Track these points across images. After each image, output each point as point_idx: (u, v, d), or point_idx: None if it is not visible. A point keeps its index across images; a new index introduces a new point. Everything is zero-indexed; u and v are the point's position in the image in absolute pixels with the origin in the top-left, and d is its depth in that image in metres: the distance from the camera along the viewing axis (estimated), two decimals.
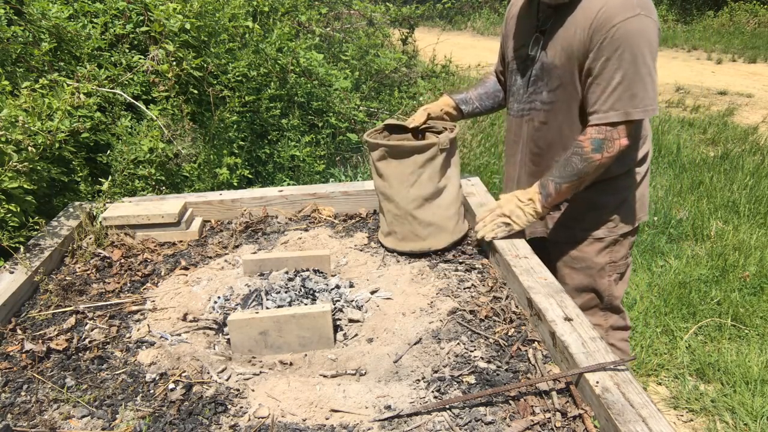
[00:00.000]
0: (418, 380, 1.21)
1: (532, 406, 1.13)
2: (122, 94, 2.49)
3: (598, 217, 1.83)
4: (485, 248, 1.77)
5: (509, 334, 1.36)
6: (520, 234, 1.71)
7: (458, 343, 1.32)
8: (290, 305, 1.43)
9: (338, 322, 1.42)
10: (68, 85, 2.07)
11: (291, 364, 1.29)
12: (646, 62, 1.54)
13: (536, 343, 1.33)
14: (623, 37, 1.51)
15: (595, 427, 1.07)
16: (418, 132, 1.91)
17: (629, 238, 1.89)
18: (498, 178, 4.76)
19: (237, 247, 1.86)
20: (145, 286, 1.63)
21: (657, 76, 1.60)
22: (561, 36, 1.64)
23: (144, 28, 2.74)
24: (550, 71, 1.69)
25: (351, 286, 1.59)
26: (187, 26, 2.62)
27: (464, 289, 1.56)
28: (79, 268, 1.71)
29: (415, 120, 1.89)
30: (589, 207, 1.82)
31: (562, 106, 1.71)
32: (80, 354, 1.34)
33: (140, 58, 2.72)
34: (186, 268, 1.72)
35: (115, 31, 2.70)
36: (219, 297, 1.51)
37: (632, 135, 1.62)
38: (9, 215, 1.72)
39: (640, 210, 1.88)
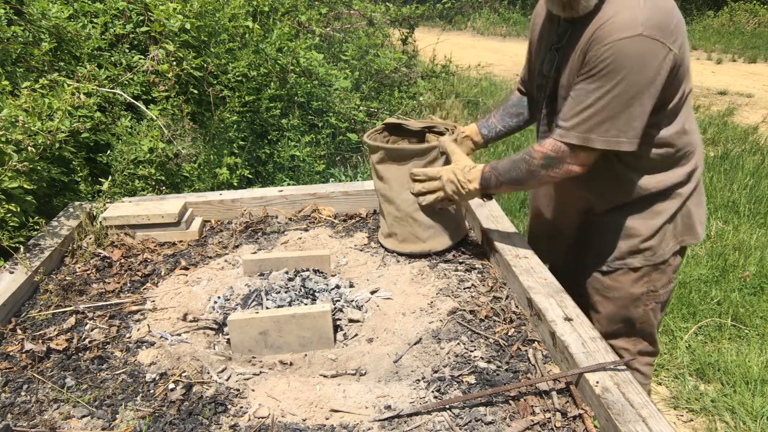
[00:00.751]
0: (418, 380, 1.21)
1: (532, 406, 1.13)
2: (122, 94, 2.49)
3: (631, 244, 1.66)
4: (486, 249, 1.77)
5: (509, 334, 1.36)
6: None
7: (458, 343, 1.32)
8: (290, 305, 1.43)
9: (338, 322, 1.42)
10: (68, 85, 2.07)
11: (291, 364, 1.29)
12: (630, 93, 1.36)
13: (536, 343, 1.33)
14: (612, 58, 1.35)
15: (595, 427, 1.07)
16: (419, 132, 1.90)
17: (672, 264, 1.70)
18: None
19: (237, 247, 1.86)
20: (145, 286, 1.63)
21: (646, 109, 1.40)
22: (570, 55, 1.50)
23: (144, 28, 2.74)
24: (560, 93, 1.56)
25: (351, 286, 1.58)
26: (187, 26, 2.62)
27: (464, 289, 1.56)
28: (79, 268, 1.71)
29: (434, 121, 1.85)
30: (622, 233, 1.66)
31: None
32: (80, 354, 1.34)
33: (140, 58, 2.72)
34: (186, 268, 1.72)
35: (115, 31, 2.70)
36: (219, 297, 1.51)
37: (589, 164, 1.48)
38: (9, 215, 1.72)
39: (686, 232, 1.67)
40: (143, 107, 2.51)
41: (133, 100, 2.49)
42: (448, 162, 1.71)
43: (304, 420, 1.11)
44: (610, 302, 1.75)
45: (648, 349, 1.83)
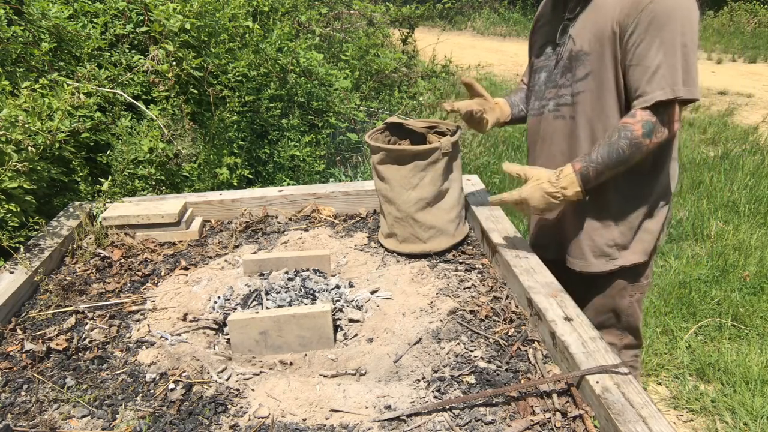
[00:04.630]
0: (418, 380, 1.21)
1: (532, 406, 1.13)
2: (122, 94, 2.49)
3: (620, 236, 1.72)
4: (486, 249, 1.77)
5: (509, 334, 1.36)
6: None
7: (458, 343, 1.32)
8: (290, 305, 1.43)
9: (338, 322, 1.42)
10: (68, 85, 2.07)
11: (291, 364, 1.29)
12: (686, 42, 1.45)
13: (536, 343, 1.33)
14: (662, 13, 1.43)
15: (595, 427, 1.07)
16: (421, 132, 1.90)
17: (653, 257, 1.78)
18: (498, 178, 4.77)
19: (237, 247, 1.86)
20: (145, 286, 1.63)
21: (697, 60, 1.50)
22: (591, 19, 1.56)
23: (144, 28, 2.74)
24: (579, 58, 1.60)
25: (351, 286, 1.58)
26: (187, 26, 2.62)
27: (464, 289, 1.56)
28: (79, 268, 1.71)
29: (459, 107, 1.80)
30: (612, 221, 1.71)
31: (591, 97, 1.61)
32: (80, 354, 1.34)
33: (140, 58, 2.72)
34: (186, 268, 1.72)
35: (115, 31, 2.69)
36: (219, 297, 1.51)
37: (679, 120, 1.54)
38: (9, 215, 1.72)
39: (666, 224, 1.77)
40: (143, 107, 2.51)
41: (133, 100, 2.49)
42: (450, 163, 1.71)
43: (304, 420, 1.11)
44: (597, 295, 1.81)
45: (633, 343, 1.91)
